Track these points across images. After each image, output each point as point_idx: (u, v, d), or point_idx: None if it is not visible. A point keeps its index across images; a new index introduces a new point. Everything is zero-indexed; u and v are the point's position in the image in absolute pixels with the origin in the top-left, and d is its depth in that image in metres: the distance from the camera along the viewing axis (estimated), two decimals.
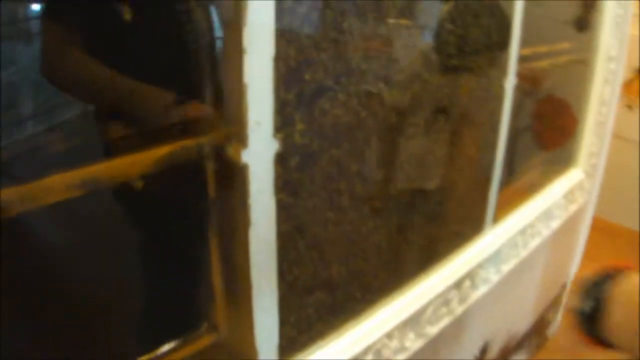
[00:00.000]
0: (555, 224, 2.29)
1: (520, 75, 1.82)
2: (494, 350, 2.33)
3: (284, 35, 1.00)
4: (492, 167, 1.81)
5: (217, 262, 1.14)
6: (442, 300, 1.69)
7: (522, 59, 1.83)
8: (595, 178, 2.64)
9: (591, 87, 2.36)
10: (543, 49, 2.05)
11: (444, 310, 1.71)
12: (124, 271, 1.07)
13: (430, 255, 1.65)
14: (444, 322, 1.73)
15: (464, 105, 1.57)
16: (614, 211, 3.92)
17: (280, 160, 1.06)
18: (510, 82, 1.73)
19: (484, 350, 2.22)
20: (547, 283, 2.63)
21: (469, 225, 1.81)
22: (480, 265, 1.82)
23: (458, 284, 1.74)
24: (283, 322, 1.22)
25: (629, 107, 3.86)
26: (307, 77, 1.07)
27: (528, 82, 2.10)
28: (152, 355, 1.09)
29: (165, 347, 1.11)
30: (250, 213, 1.04)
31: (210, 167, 1.03)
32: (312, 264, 1.25)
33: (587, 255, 2.98)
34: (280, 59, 1.00)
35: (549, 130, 2.43)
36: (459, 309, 1.78)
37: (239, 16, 0.91)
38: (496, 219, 1.94)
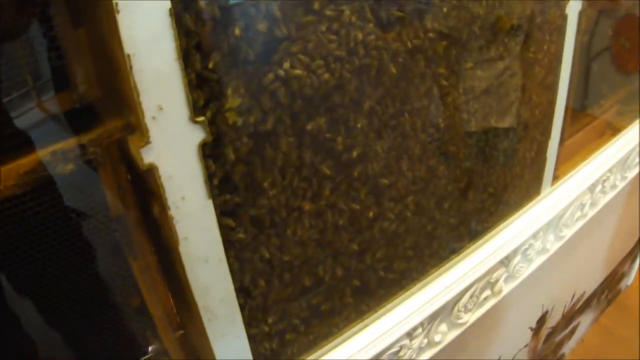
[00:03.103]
0: (633, 173, 1.84)
1: None
2: (555, 317, 1.96)
3: None
4: (551, 114, 1.37)
5: (147, 284, 0.82)
6: (485, 282, 1.31)
7: None
8: None
9: None
10: None
11: (486, 293, 1.35)
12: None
13: (462, 229, 1.26)
14: (486, 306, 1.36)
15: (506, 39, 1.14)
16: None
17: (213, 151, 0.71)
18: (574, 7, 1.27)
19: (542, 320, 1.85)
20: (621, 236, 2.19)
21: (521, 187, 1.40)
22: (535, 236, 1.42)
23: (506, 261, 1.36)
24: (259, 337, 0.93)
25: None
26: (238, 31, 0.69)
27: None
28: None
29: None
30: (175, 226, 0.71)
31: (107, 172, 0.70)
32: (289, 270, 0.91)
33: None
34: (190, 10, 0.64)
35: (629, 51, 1.97)
36: (507, 288, 1.41)
37: None
38: (558, 175, 1.52)
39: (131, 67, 0.60)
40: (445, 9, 0.93)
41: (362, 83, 0.86)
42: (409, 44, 0.90)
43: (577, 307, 2.12)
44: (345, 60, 0.81)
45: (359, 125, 0.88)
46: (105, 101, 0.70)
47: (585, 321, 2.30)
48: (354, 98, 0.85)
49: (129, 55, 0.59)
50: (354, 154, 0.90)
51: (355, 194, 0.93)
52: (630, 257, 2.42)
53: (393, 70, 0.89)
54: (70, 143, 0.65)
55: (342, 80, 0.82)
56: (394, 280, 1.10)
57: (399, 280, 1.11)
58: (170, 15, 0.60)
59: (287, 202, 0.85)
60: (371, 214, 0.98)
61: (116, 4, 0.57)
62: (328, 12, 0.78)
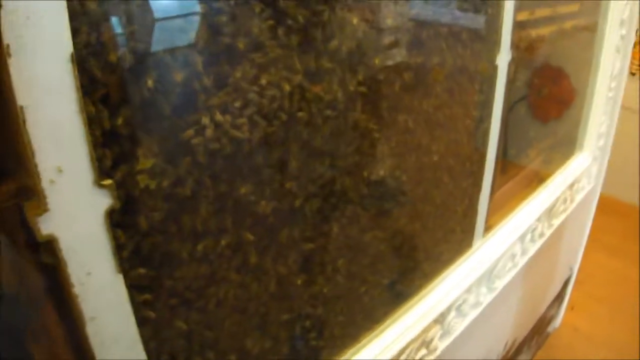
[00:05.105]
0: (559, 220, 1.84)
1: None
2: None
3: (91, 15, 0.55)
4: (482, 165, 1.34)
5: None
6: (420, 342, 1.25)
7: (519, 26, 1.36)
8: (604, 160, 2.17)
9: (600, 57, 1.88)
10: (544, 12, 1.55)
11: (422, 353, 1.28)
12: None
13: (396, 288, 1.20)
14: None
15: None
16: (613, 185, 2.95)
17: (122, 219, 0.62)
18: (504, 59, 1.25)
19: None
20: (548, 281, 2.20)
21: (453, 241, 1.36)
22: (468, 290, 1.37)
23: (440, 318, 1.30)
24: None
25: (632, 74, 3.28)
26: (151, 82, 0.61)
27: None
28: None
29: None
30: (80, 305, 0.61)
31: None
32: (213, 347, 0.81)
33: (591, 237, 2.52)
34: (89, 56, 0.55)
35: (545, 100, 2.02)
36: (442, 345, 1.35)
37: None
38: (489, 226, 1.48)
39: (24, 121, 0.50)
40: (377, 61, 0.88)
41: (289, 139, 0.78)
42: (339, 96, 0.84)
43: (509, 355, 2.09)
44: (272, 115, 0.74)
45: (287, 186, 0.80)
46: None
47: None
48: (280, 156, 0.78)
49: (21, 107, 0.50)
50: (281, 217, 0.82)
51: (283, 259, 0.85)
52: (557, 300, 2.43)
53: (322, 124, 0.82)
54: None
55: (267, 136, 0.75)
56: (325, 347, 1.02)
57: (330, 347, 1.03)
58: (72, 61, 0.52)
59: (209, 272, 0.75)
60: (299, 280, 0.90)
61: (7, 45, 0.48)
62: (253, 61, 0.71)
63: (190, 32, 0.65)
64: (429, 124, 1.09)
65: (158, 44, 0.61)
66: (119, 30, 0.57)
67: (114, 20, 0.57)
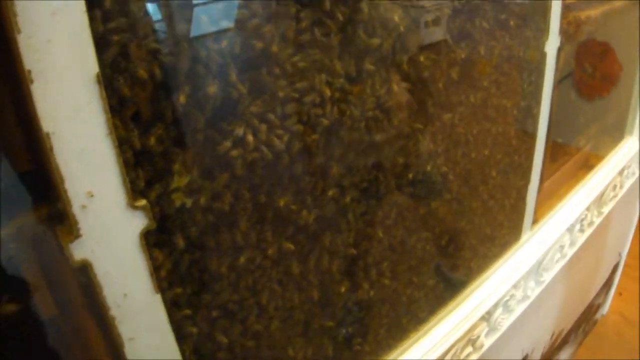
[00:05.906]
0: (609, 207, 1.76)
1: None
2: (534, 359, 1.85)
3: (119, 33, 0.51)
4: (530, 157, 1.28)
5: None
6: (466, 340, 1.20)
7: (567, 9, 1.28)
8: None
9: None
10: None
11: (467, 350, 1.23)
12: None
13: (441, 288, 1.15)
14: None
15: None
16: None
17: (159, 238, 0.59)
18: (552, 45, 1.18)
19: None
20: (596, 269, 2.12)
21: (499, 236, 1.30)
22: (515, 286, 1.32)
23: (487, 316, 1.25)
24: None
25: None
26: (183, 97, 0.57)
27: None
28: None
29: None
30: (117, 327, 0.58)
31: (32, 268, 0.56)
32: (256, 356, 0.78)
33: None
34: (116, 74, 0.51)
35: (591, 77, 1.91)
36: (489, 342, 1.30)
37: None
38: (537, 218, 1.42)
39: (51, 148, 0.47)
40: (422, 58, 0.82)
41: (330, 145, 0.74)
42: (381, 94, 0.79)
43: (556, 345, 2.03)
44: (313, 121, 0.70)
45: (330, 193, 0.76)
46: (33, 180, 0.57)
47: (563, 357, 2.21)
48: (321, 162, 0.74)
49: (47, 134, 0.47)
50: (323, 224, 0.78)
51: (327, 266, 0.81)
52: (605, 287, 2.35)
53: (364, 127, 0.78)
54: None
55: (308, 144, 0.71)
56: (370, 351, 0.98)
57: (375, 350, 0.99)
58: (98, 82, 0.48)
59: (250, 284, 0.72)
60: (343, 288, 0.86)
61: (29, 71, 0.44)
62: (292, 66, 0.66)
63: (223, 37, 0.61)
64: (476, 118, 1.03)
65: (188, 55, 0.57)
66: (146, 44, 0.53)
67: (141, 33, 0.53)
